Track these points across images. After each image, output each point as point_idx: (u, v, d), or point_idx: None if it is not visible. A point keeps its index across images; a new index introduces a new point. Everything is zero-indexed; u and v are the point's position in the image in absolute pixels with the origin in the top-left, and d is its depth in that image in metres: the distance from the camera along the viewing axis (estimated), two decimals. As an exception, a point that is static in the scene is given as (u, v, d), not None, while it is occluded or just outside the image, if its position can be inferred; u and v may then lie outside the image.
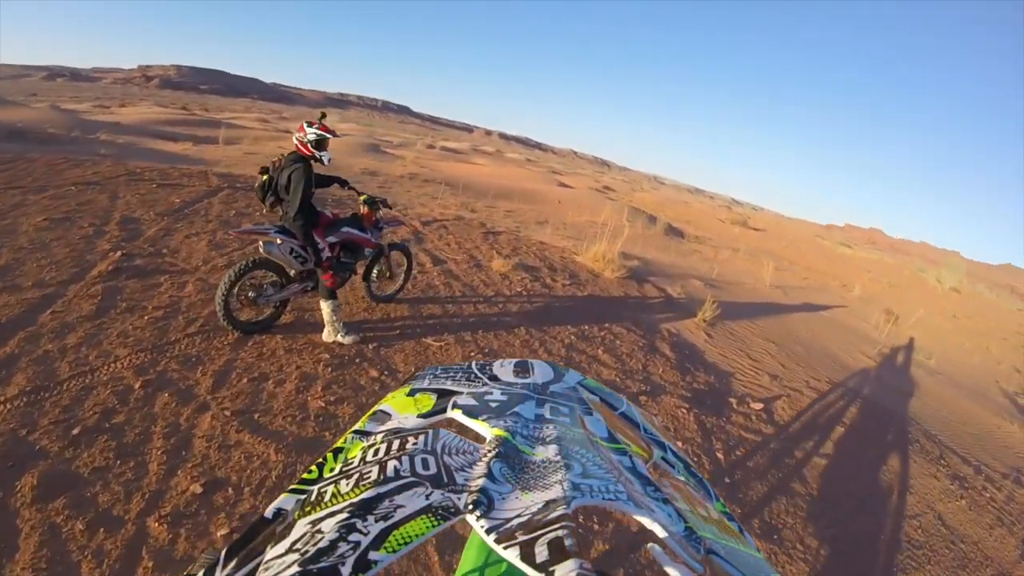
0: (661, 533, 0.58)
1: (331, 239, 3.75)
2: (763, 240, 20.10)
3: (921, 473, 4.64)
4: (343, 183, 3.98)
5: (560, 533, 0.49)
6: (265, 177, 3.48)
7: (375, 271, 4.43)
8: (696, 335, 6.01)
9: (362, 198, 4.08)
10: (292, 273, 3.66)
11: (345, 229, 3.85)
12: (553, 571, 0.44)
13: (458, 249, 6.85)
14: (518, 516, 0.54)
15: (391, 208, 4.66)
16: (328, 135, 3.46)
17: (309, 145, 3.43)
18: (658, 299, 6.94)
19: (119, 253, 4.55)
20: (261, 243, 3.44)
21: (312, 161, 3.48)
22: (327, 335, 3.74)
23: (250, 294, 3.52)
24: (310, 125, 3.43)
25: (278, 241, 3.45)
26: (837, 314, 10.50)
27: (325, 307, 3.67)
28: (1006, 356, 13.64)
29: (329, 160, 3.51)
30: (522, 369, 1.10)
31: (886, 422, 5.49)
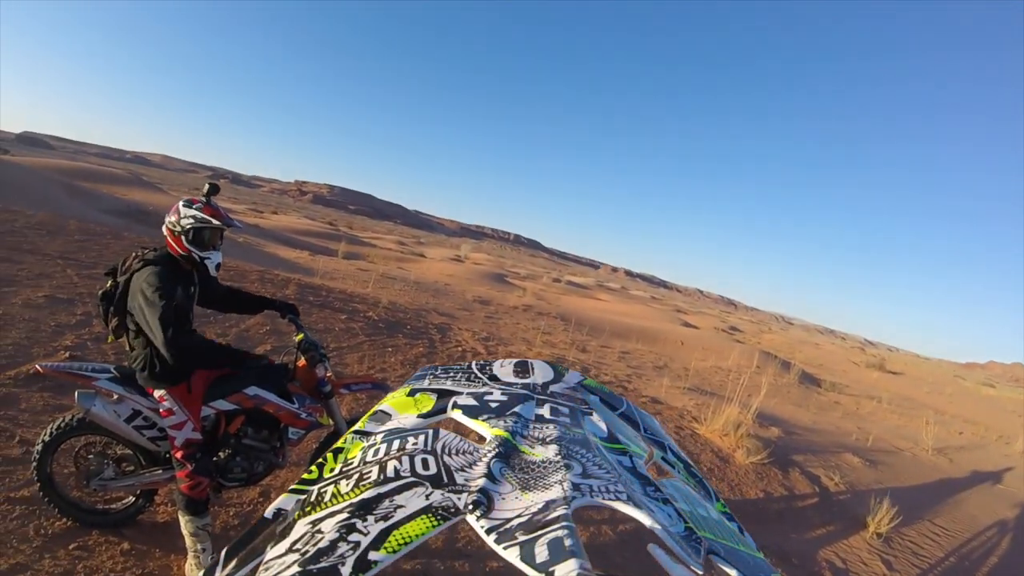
0: (661, 533, 0.57)
1: (218, 404, 2.20)
2: (903, 385, 19.46)
3: None
4: (283, 308, 2.50)
5: (560, 533, 0.49)
6: (110, 283, 2.13)
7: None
8: (872, 568, 4.22)
9: (298, 338, 2.35)
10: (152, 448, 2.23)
11: (253, 391, 2.24)
12: (553, 571, 0.44)
13: None
14: (518, 516, 0.54)
15: (325, 359, 2.40)
16: (215, 222, 2.09)
17: (182, 238, 2.07)
18: (810, 498, 5.15)
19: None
20: (76, 395, 2.11)
21: (185, 263, 2.13)
22: (189, 570, 2.18)
23: (86, 468, 2.21)
24: (189, 204, 2.11)
25: (112, 395, 2.11)
26: (1013, 484, 8.83)
27: (184, 524, 2.15)
28: None
29: (218, 266, 2.19)
30: (522, 369, 1.09)
31: None
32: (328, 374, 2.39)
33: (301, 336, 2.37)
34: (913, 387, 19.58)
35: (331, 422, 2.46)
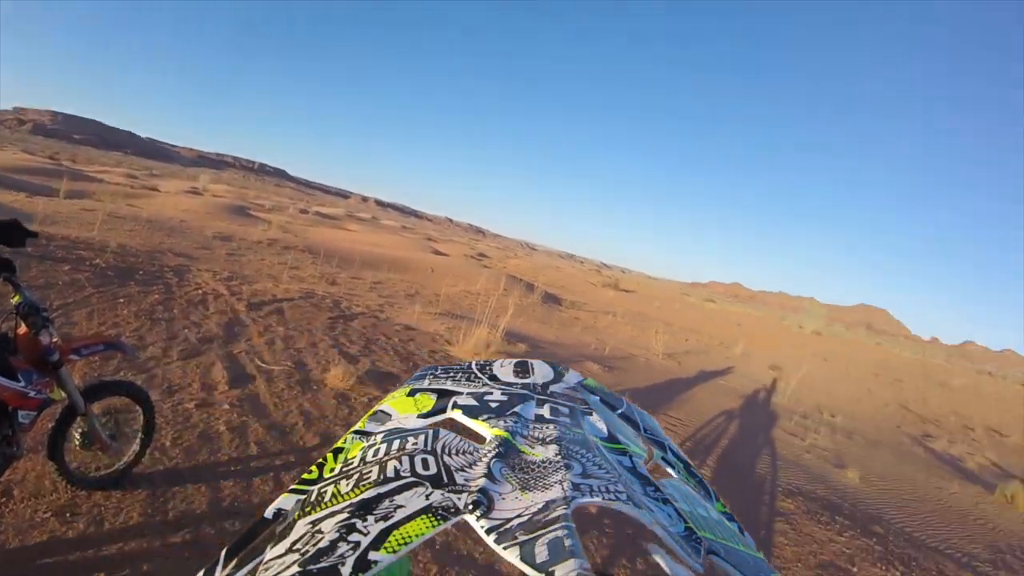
0: (661, 533, 0.58)
1: None
2: (636, 302, 20.68)
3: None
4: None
5: (560, 533, 0.49)
6: None
7: (77, 436, 2.31)
8: None
9: (15, 300, 2.00)
10: None
11: None
12: (553, 571, 0.44)
13: (284, 349, 4.69)
14: (518, 516, 0.54)
15: (49, 323, 2.03)
16: None
17: None
18: None
19: None
20: None
21: None
22: None
23: None
24: None
25: None
26: (734, 381, 10.36)
27: None
28: (886, 394, 14.95)
29: None
30: (522, 369, 1.10)
31: (848, 518, 4.72)
32: (55, 340, 2.06)
33: (19, 298, 2.01)
34: (644, 304, 20.85)
35: (64, 396, 2.15)
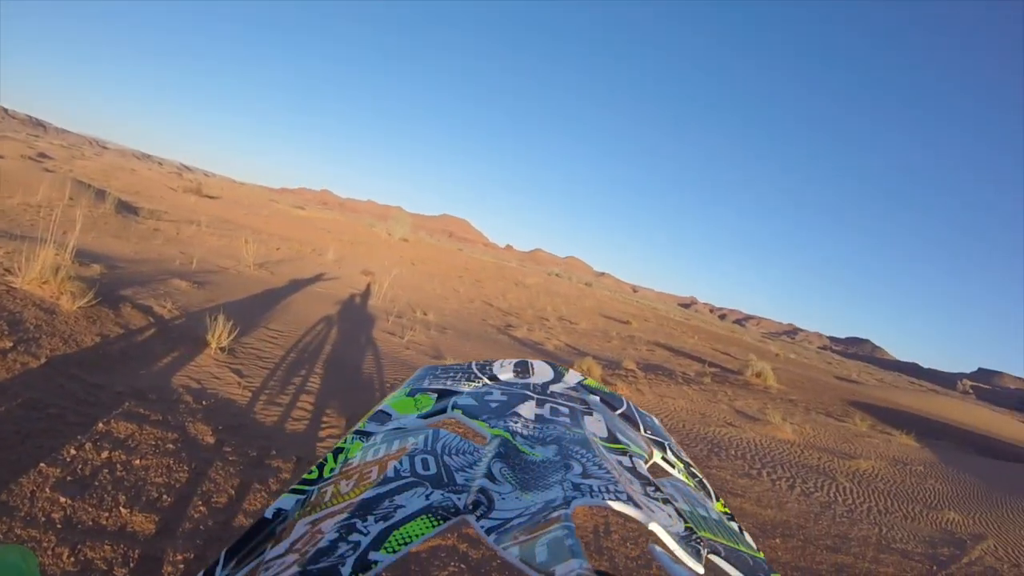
0: (661, 533, 0.57)
1: None
2: (221, 208, 19.73)
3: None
4: None
5: (560, 533, 0.49)
6: None
7: None
8: (225, 379, 4.09)
9: None
10: None
11: None
12: (553, 571, 0.44)
13: None
14: (518, 516, 0.54)
15: None
16: None
17: None
18: (148, 330, 4.66)
19: None
20: None
21: None
22: None
23: None
24: None
25: None
26: (330, 287, 10.30)
27: None
28: (470, 293, 15.91)
29: None
30: (522, 369, 1.10)
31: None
32: None
33: None
34: (231, 210, 19.75)
35: None
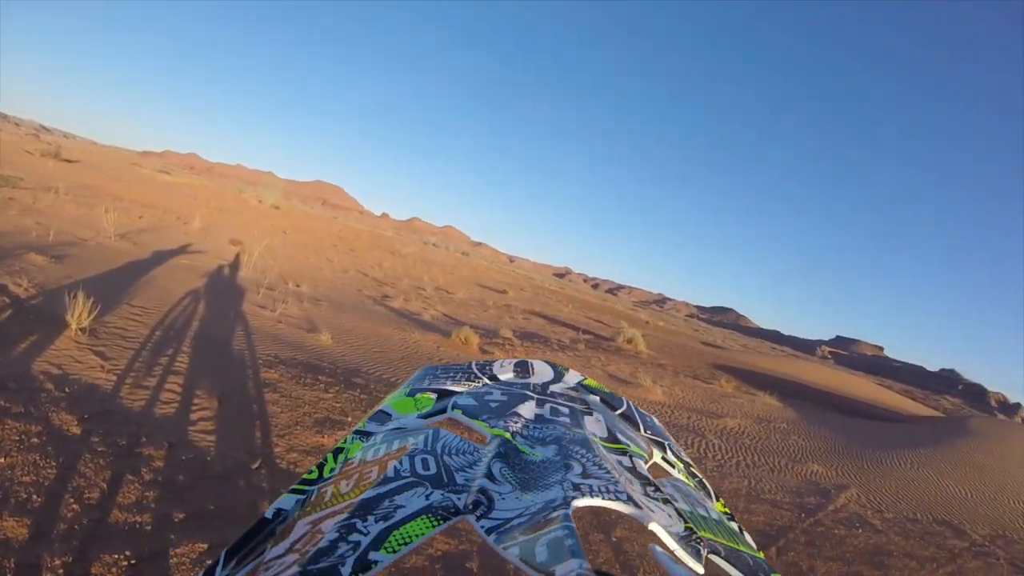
0: (661, 533, 0.58)
1: None
2: (82, 173, 18.69)
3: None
4: None
5: (560, 533, 0.49)
6: None
7: None
8: (88, 363, 3.81)
9: None
10: None
11: None
12: (553, 571, 0.44)
13: None
14: (518, 516, 0.54)
15: None
16: None
17: None
18: (4, 312, 4.38)
19: None
20: None
21: None
22: None
23: None
24: None
25: None
26: (196, 259, 9.86)
27: None
28: (345, 262, 15.69)
29: None
30: (522, 369, 1.10)
31: (331, 376, 4.83)
32: None
33: None
34: (92, 175, 18.78)
35: None
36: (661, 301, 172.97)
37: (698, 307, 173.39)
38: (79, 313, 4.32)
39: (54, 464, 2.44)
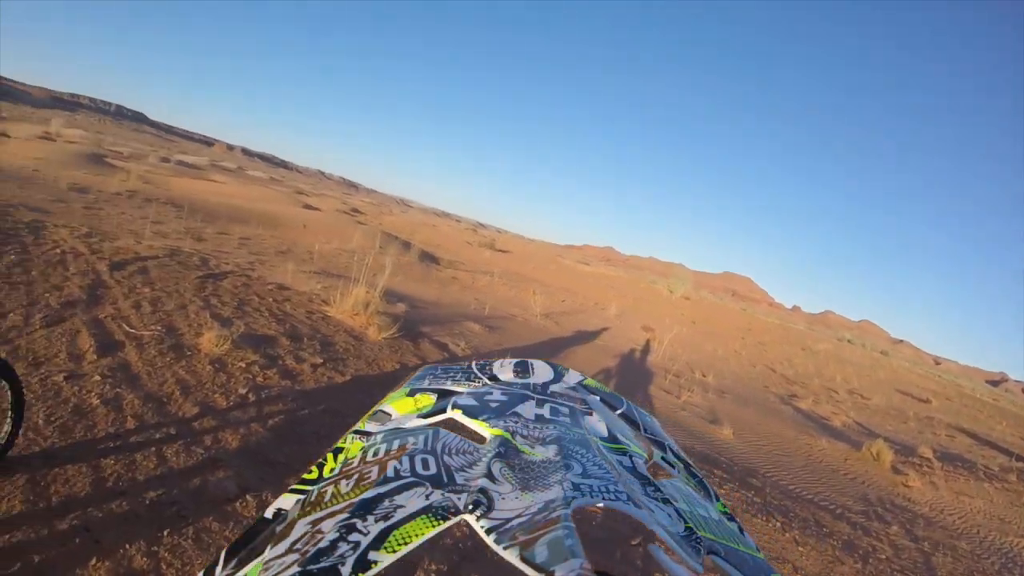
0: (661, 533, 0.57)
1: None
2: (512, 262, 20.98)
3: (774, 534, 3.91)
4: None
5: (560, 533, 0.49)
6: None
7: None
8: None
9: None
10: None
11: None
12: (553, 571, 0.44)
13: (152, 312, 4.44)
14: (518, 516, 0.54)
15: None
16: None
17: None
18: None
19: None
20: None
21: None
22: None
23: None
24: None
25: None
26: (610, 341, 10.52)
27: None
28: (752, 356, 15.72)
29: None
30: (522, 369, 1.10)
31: (726, 472, 4.82)
32: None
33: None
34: (521, 264, 20.92)
35: None
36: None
37: None
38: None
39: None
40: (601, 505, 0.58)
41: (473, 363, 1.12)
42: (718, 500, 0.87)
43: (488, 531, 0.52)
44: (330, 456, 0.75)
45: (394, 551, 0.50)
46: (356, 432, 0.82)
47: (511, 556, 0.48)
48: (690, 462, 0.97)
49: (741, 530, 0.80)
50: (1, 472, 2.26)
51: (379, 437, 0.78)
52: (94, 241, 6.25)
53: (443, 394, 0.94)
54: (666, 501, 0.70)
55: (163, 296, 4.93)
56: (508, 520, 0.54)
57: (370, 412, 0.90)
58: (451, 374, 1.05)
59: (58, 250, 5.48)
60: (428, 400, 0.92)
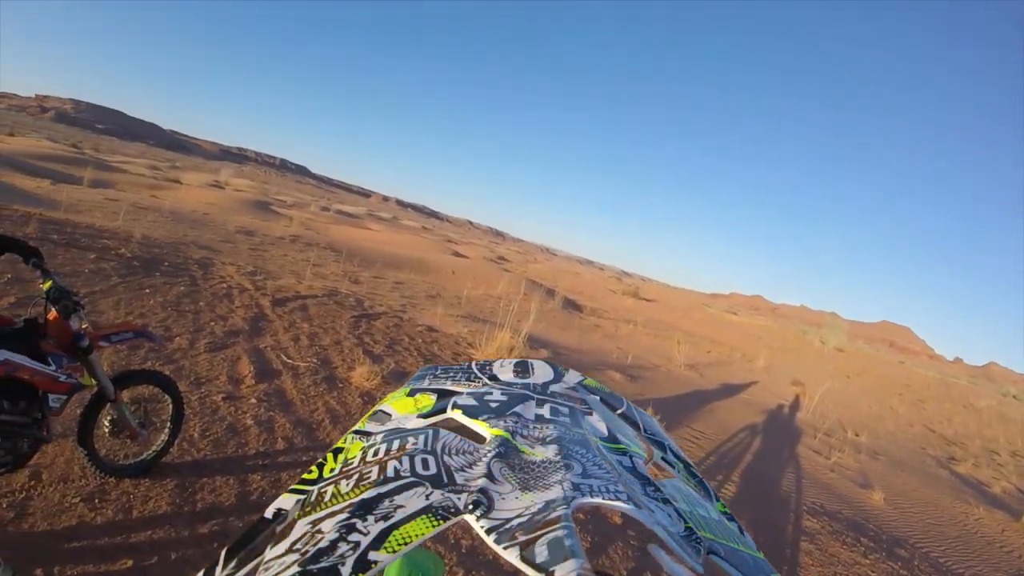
0: (661, 533, 0.57)
1: None
2: (656, 311, 20.74)
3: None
4: (25, 251, 2.04)
5: (560, 533, 0.49)
6: None
7: (106, 423, 2.36)
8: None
9: (45, 286, 2.02)
10: None
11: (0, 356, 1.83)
12: (553, 571, 0.44)
13: (309, 346, 4.70)
14: (518, 516, 0.54)
15: (80, 308, 2.06)
16: None
17: None
18: None
19: None
20: None
21: None
22: None
23: None
24: None
25: None
26: (756, 395, 10.27)
27: None
28: (910, 414, 14.83)
29: None
30: (522, 369, 1.10)
31: (873, 540, 4.64)
32: (84, 326, 2.12)
33: (49, 283, 2.02)
34: (665, 313, 20.92)
35: (93, 382, 2.17)
36: None
37: None
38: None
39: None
40: (602, 505, 0.58)
41: (473, 363, 1.12)
42: (718, 500, 0.87)
43: (488, 531, 0.52)
44: (330, 456, 0.75)
45: (394, 551, 0.50)
46: (356, 432, 0.82)
47: (511, 556, 0.48)
48: (690, 462, 0.97)
49: (741, 530, 0.80)
50: (154, 476, 2.47)
51: (379, 437, 0.78)
52: (258, 279, 6.67)
53: (443, 394, 0.94)
54: (666, 501, 0.70)
55: (320, 332, 5.20)
56: (508, 520, 0.54)
57: (370, 412, 0.90)
58: (451, 374, 1.05)
59: (225, 285, 5.86)
60: (428, 400, 0.92)
